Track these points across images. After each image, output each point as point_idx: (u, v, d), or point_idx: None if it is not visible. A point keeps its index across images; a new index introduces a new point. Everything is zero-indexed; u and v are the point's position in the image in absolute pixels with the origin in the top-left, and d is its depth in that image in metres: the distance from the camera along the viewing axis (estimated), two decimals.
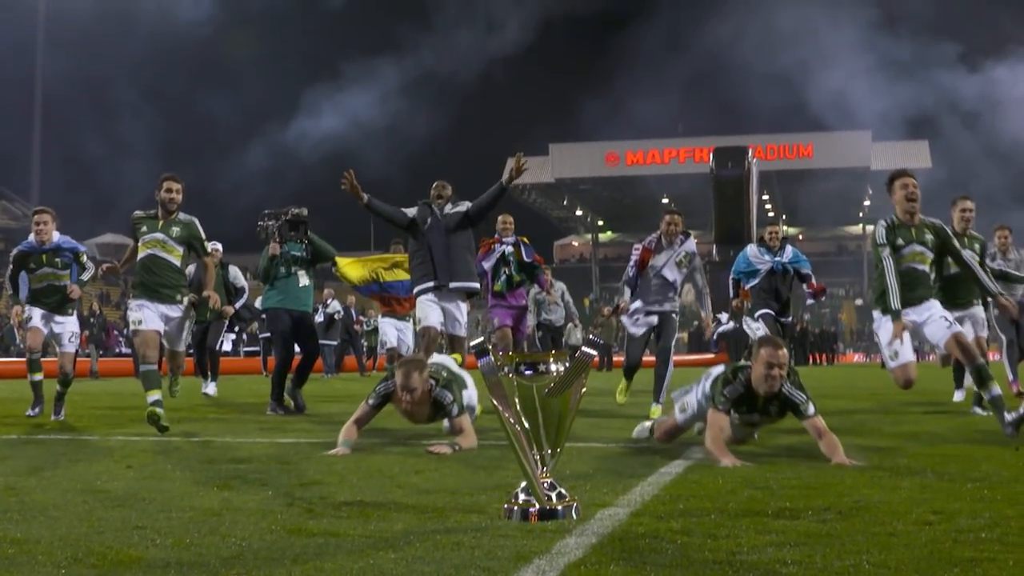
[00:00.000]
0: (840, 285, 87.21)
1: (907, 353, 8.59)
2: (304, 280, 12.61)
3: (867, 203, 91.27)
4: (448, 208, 10.86)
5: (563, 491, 4.73)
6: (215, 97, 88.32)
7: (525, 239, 13.51)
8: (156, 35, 71.74)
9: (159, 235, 9.73)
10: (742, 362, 7.20)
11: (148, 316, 9.60)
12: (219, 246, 15.11)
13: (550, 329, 21.27)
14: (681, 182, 79.93)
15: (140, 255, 9.78)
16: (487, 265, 13.05)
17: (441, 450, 7.28)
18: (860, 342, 77.65)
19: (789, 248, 14.03)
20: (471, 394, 8.42)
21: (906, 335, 8.55)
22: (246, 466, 6.67)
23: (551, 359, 4.73)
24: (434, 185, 11.08)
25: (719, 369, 7.32)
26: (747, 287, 13.89)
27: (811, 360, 40.40)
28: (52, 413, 10.98)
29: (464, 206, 10.92)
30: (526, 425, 4.70)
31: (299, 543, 4.11)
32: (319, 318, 27.08)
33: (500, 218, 13.36)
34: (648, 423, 8.50)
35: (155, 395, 9.25)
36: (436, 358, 8.86)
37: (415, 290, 11.00)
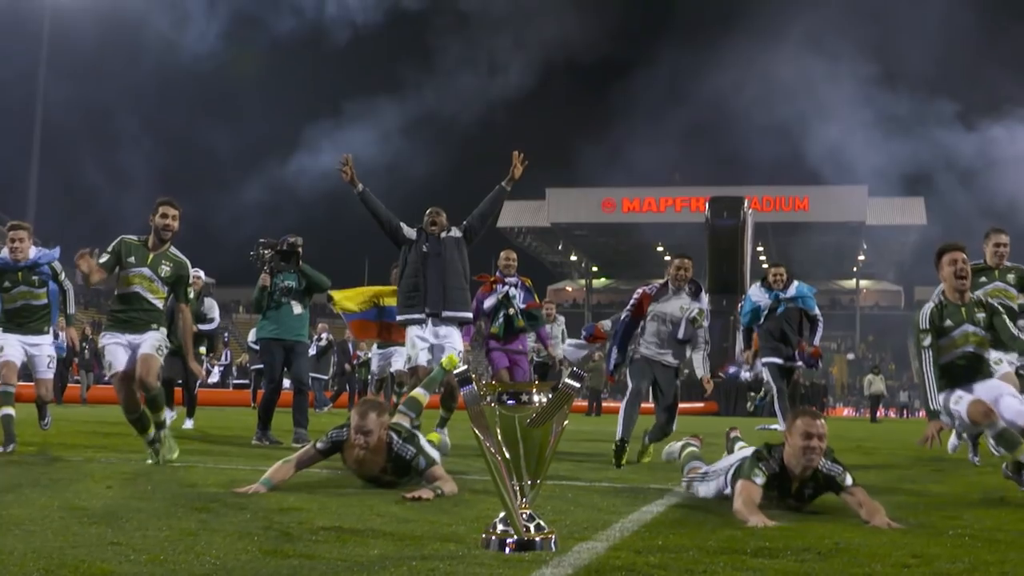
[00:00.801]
0: (832, 339, 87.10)
1: (966, 398, 7.62)
2: (297, 309, 12.53)
3: (861, 257, 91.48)
4: (443, 235, 10.55)
5: (541, 523, 4.70)
6: (216, 130, 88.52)
7: (528, 281, 13.04)
8: (160, 67, 71.96)
9: (146, 271, 8.87)
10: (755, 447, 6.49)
11: (117, 355, 8.73)
12: (201, 273, 14.65)
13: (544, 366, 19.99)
14: (677, 230, 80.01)
15: (119, 289, 8.94)
16: (488, 304, 12.58)
17: (423, 495, 6.37)
18: (850, 396, 77.60)
19: (795, 284, 13.25)
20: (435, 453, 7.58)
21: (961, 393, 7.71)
22: (227, 490, 6.63)
23: (534, 389, 4.72)
24: (428, 212, 10.73)
25: (745, 452, 6.74)
26: (740, 334, 13.60)
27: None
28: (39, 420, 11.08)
29: (455, 232, 10.64)
30: (507, 455, 4.68)
31: (273, 563, 4.08)
32: (312, 351, 27.01)
33: (503, 255, 12.93)
34: (678, 445, 8.58)
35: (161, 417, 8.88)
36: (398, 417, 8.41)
37: (399, 318, 10.69)
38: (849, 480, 6.25)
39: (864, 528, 5.61)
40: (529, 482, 4.72)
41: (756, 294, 13.33)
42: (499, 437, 4.68)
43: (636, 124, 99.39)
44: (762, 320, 13.19)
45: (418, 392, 9.33)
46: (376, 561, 4.20)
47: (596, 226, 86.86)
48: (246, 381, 33.97)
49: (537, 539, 4.62)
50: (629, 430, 10.01)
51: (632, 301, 10.59)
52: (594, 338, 11.51)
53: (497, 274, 12.94)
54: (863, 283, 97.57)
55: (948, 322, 7.81)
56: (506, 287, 12.61)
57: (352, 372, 28.04)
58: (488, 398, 4.70)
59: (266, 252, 12.43)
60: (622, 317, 10.65)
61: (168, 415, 13.93)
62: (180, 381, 15.60)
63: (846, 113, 70.40)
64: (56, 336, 11.59)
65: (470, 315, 11.06)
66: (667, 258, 11.44)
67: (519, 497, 4.70)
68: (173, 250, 9.06)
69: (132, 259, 8.88)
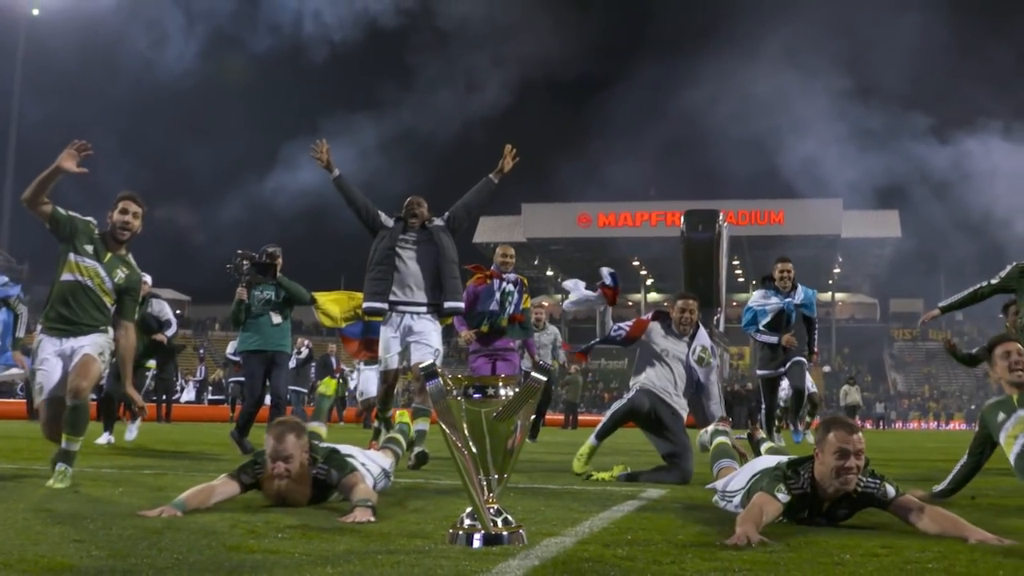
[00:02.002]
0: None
1: None
2: (277, 319, 12.34)
3: (837, 270, 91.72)
4: (422, 229, 9.89)
5: (509, 517, 4.67)
6: (193, 148, 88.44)
7: (525, 280, 12.45)
8: (138, 86, 71.83)
9: (101, 268, 7.52)
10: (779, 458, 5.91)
11: (51, 375, 7.40)
12: (148, 278, 13.16)
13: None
14: (653, 245, 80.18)
15: (63, 276, 7.49)
16: (485, 305, 11.83)
17: (359, 518, 5.33)
18: (827, 408, 77.75)
19: (802, 289, 12.70)
20: (378, 464, 6.84)
21: None
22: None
23: (500, 383, 4.69)
24: (407, 202, 10.01)
25: (768, 461, 6.15)
26: (758, 336, 12.79)
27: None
28: None
29: (438, 221, 9.99)
30: (473, 449, 4.65)
31: (237, 558, 4.04)
32: (291, 363, 26.86)
33: (499, 250, 12.31)
34: (709, 430, 8.24)
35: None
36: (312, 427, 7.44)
37: (365, 305, 9.95)
38: (891, 491, 5.40)
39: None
40: (496, 477, 4.69)
41: (759, 301, 12.74)
42: (465, 432, 4.65)
43: (612, 140, 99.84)
44: (762, 324, 12.66)
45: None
46: (341, 556, 4.16)
47: (572, 241, 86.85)
48: (222, 397, 33.86)
49: (505, 533, 4.58)
50: (604, 435, 9.20)
51: (629, 323, 9.55)
52: (610, 295, 10.50)
53: (493, 268, 12.21)
54: (839, 296, 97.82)
55: (1000, 415, 6.89)
56: (504, 283, 12.03)
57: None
58: (454, 392, 4.67)
59: (244, 264, 12.28)
60: (614, 330, 9.56)
61: (105, 438, 13.42)
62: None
63: (821, 127, 70.71)
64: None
65: (462, 305, 10.25)
66: (667, 304, 9.97)
67: (486, 492, 4.67)
68: (131, 258, 7.81)
69: (88, 247, 7.54)
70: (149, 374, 16.05)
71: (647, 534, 5.03)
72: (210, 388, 38.67)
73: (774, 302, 12.56)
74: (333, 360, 28.00)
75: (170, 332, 14.83)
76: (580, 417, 34.16)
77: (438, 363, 8.72)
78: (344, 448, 6.51)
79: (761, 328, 12.71)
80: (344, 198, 10.02)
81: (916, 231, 75.33)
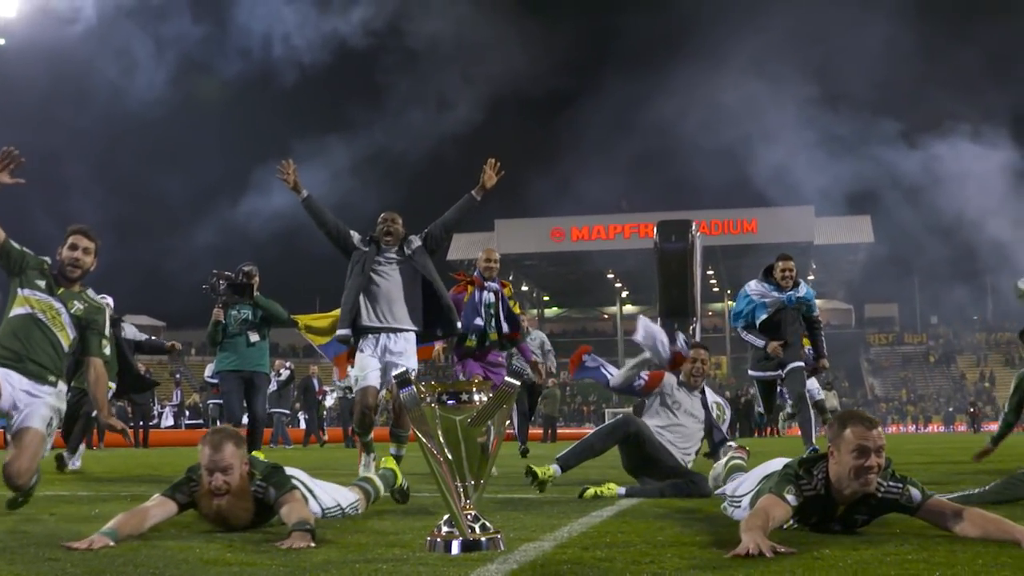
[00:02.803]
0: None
1: None
2: (254, 337, 12.04)
3: (811, 277, 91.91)
4: (405, 248, 9.41)
5: (487, 523, 4.67)
6: (165, 175, 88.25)
7: (508, 288, 11.69)
8: (108, 113, 71.67)
9: (52, 299, 6.86)
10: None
11: None
12: (110, 300, 12.56)
13: (524, 384, 16.31)
14: (627, 258, 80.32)
15: (14, 311, 6.84)
16: (468, 322, 11.02)
17: (300, 543, 4.73)
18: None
19: (804, 286, 11.73)
20: (332, 497, 6.19)
21: None
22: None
23: (473, 389, 4.68)
24: (381, 218, 9.51)
25: (776, 464, 5.73)
26: (744, 335, 11.57)
27: (756, 433, 40.31)
28: None
29: (416, 241, 9.48)
30: (449, 456, 4.64)
31: (214, 571, 4.03)
32: (272, 386, 26.74)
33: (483, 254, 11.55)
34: (721, 465, 7.59)
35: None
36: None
37: (339, 333, 9.36)
38: (917, 495, 4.91)
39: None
40: (472, 483, 4.68)
41: (757, 288, 11.54)
42: (441, 438, 4.64)
43: (583, 154, 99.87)
44: (758, 322, 11.44)
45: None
46: (319, 566, 4.15)
47: (546, 255, 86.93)
48: (200, 421, 33.74)
49: (483, 539, 4.58)
50: (578, 458, 8.35)
51: (646, 375, 8.76)
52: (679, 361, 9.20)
53: (475, 275, 11.50)
54: (817, 302, 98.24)
55: None
56: (486, 292, 11.32)
57: (317, 406, 27.54)
58: (428, 399, 4.66)
59: (220, 283, 12.05)
60: (636, 381, 8.77)
61: (73, 463, 12.78)
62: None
63: (790, 135, 70.90)
64: None
65: (459, 324, 9.89)
66: (688, 351, 9.07)
67: (463, 498, 4.66)
68: (90, 293, 7.16)
69: (40, 282, 6.89)
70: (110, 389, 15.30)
71: (626, 536, 5.03)
72: (187, 412, 38.53)
73: (774, 296, 11.43)
74: (315, 382, 27.86)
75: (157, 346, 14.94)
76: (559, 430, 34.14)
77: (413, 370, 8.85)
78: (291, 470, 5.89)
79: (756, 323, 11.48)
80: (314, 220, 9.50)
81: (889, 236, 75.60)
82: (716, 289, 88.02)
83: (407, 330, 9.33)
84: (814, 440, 11.22)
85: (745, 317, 11.59)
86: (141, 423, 24.99)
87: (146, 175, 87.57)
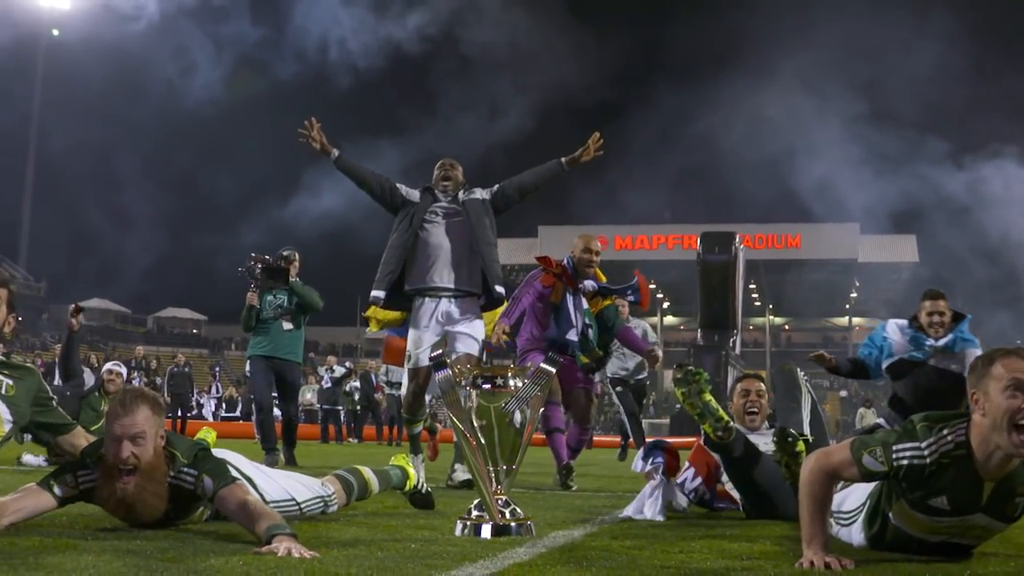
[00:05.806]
0: (825, 376, 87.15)
1: None
2: (287, 325, 11.68)
3: (854, 295, 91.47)
4: (461, 195, 7.95)
5: (517, 509, 4.65)
6: (216, 173, 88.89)
7: (603, 278, 9.27)
8: (163, 111, 72.26)
9: None
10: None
11: None
12: (123, 370, 11.72)
13: (628, 384, 14.62)
14: (669, 268, 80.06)
15: None
16: (553, 332, 8.70)
17: (279, 550, 3.65)
18: (845, 434, 77.41)
19: (958, 327, 8.38)
20: (284, 488, 4.88)
21: None
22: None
23: (509, 373, 4.67)
24: (439, 164, 8.17)
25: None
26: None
27: None
28: None
29: (480, 193, 8.03)
30: (482, 441, 4.63)
31: (231, 546, 4.02)
32: (326, 383, 26.60)
33: (581, 243, 9.04)
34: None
35: None
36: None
37: (374, 294, 7.84)
38: None
39: None
40: (504, 468, 4.66)
41: (900, 341, 8.48)
42: (474, 423, 4.63)
43: (629, 164, 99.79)
44: (884, 367, 8.74)
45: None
46: (349, 541, 4.16)
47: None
48: (236, 414, 33.87)
49: (513, 524, 4.57)
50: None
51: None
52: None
53: (564, 262, 9.01)
54: (855, 320, 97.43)
55: None
56: (578, 297, 8.92)
57: (378, 404, 26.83)
58: (463, 383, 4.65)
59: (257, 267, 11.72)
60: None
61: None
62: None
63: (836, 151, 70.64)
64: None
65: (502, 290, 7.92)
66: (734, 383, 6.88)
67: (494, 483, 4.65)
68: (15, 358, 5.39)
69: None
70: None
71: (656, 529, 5.02)
72: (224, 405, 38.62)
73: (926, 347, 8.31)
74: (374, 377, 26.74)
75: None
76: (595, 438, 33.83)
77: (478, 343, 7.78)
78: (223, 453, 4.77)
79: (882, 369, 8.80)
80: (353, 179, 8.16)
81: (933, 256, 75.07)
82: (758, 303, 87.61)
83: (471, 293, 7.83)
84: None
85: (868, 355, 8.89)
86: (179, 412, 25.05)
87: (198, 172, 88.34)
